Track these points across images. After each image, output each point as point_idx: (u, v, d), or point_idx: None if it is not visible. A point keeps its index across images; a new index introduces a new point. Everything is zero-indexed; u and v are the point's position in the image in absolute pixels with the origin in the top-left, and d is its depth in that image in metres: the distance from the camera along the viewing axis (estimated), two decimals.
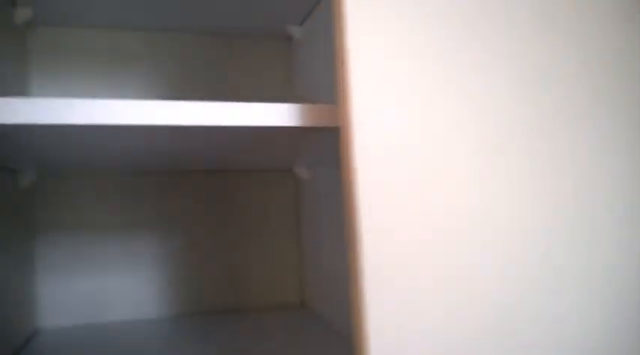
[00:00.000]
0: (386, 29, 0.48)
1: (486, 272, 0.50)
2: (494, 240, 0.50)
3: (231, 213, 1.00)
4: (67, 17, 0.88)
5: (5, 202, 0.75)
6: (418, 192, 0.48)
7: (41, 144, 0.53)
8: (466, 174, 0.50)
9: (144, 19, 0.90)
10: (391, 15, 0.48)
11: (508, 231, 0.51)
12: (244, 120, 0.46)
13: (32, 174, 0.83)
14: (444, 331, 0.48)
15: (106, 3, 0.82)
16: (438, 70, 0.50)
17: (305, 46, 0.93)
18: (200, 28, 0.95)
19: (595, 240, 0.54)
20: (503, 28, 0.53)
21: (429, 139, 0.50)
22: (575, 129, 0.54)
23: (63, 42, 0.93)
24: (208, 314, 0.93)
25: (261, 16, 0.91)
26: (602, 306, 0.53)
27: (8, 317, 0.73)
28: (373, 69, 0.47)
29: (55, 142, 0.53)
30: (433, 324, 0.48)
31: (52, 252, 0.90)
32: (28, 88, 0.91)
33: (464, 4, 0.51)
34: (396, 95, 0.48)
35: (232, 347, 0.69)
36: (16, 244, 0.80)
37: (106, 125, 0.44)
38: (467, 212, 0.50)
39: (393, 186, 0.47)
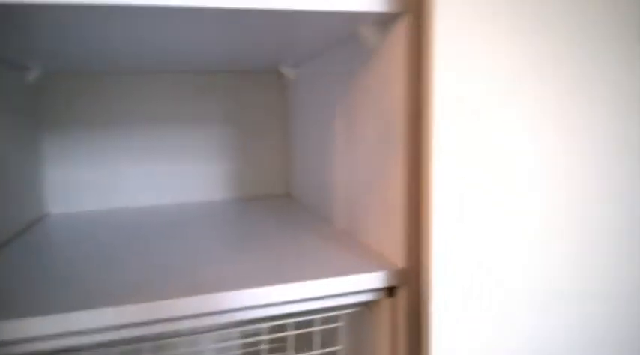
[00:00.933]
0: None
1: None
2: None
3: (227, 111, 1.09)
4: None
5: (13, 96, 0.82)
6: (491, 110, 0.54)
7: (46, 33, 0.60)
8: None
9: None
10: None
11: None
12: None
13: (39, 70, 0.90)
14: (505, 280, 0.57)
15: None
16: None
17: None
18: None
19: None
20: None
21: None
22: None
23: None
24: (209, 203, 1.03)
25: None
26: None
27: (17, 200, 0.84)
28: None
29: (57, 32, 0.59)
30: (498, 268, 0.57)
31: (61, 144, 0.99)
32: None
33: None
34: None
35: (235, 230, 0.78)
36: (25, 135, 0.88)
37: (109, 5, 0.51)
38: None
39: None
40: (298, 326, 0.69)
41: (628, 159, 0.59)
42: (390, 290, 0.59)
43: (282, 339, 0.80)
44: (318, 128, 0.88)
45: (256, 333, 0.61)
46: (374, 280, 0.57)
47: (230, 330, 0.52)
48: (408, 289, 0.56)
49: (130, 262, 0.63)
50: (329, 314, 0.62)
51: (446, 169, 0.52)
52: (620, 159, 0.58)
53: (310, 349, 0.64)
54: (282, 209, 0.97)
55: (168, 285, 0.54)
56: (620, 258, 0.60)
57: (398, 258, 0.58)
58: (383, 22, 0.59)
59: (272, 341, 0.87)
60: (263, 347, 0.61)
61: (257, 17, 0.54)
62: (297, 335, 0.67)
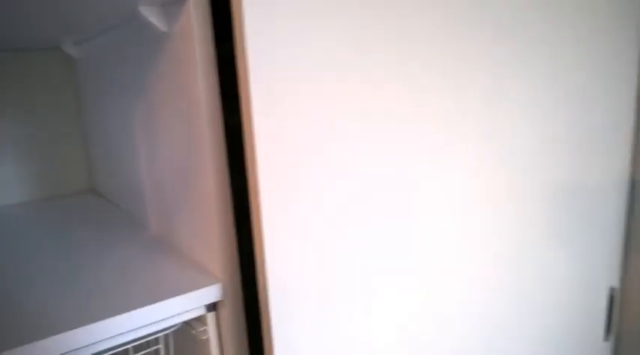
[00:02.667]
0: None
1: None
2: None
3: (8, 98, 0.89)
4: None
5: None
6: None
7: None
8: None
9: None
10: None
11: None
12: None
13: None
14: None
15: None
16: None
17: None
18: None
19: None
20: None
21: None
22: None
23: None
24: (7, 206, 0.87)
25: None
26: None
27: None
28: None
29: None
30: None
31: None
32: None
33: None
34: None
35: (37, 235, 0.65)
36: None
37: None
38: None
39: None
40: None
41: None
42: (213, 305, 0.53)
43: None
44: (115, 116, 0.77)
45: None
46: (193, 300, 0.51)
47: None
48: (231, 303, 0.52)
49: None
50: (146, 340, 0.55)
51: (271, 171, 0.47)
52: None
53: None
54: (87, 210, 0.84)
55: None
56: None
57: (218, 269, 0.53)
58: (166, 3, 0.51)
59: None
60: None
61: None
62: None
